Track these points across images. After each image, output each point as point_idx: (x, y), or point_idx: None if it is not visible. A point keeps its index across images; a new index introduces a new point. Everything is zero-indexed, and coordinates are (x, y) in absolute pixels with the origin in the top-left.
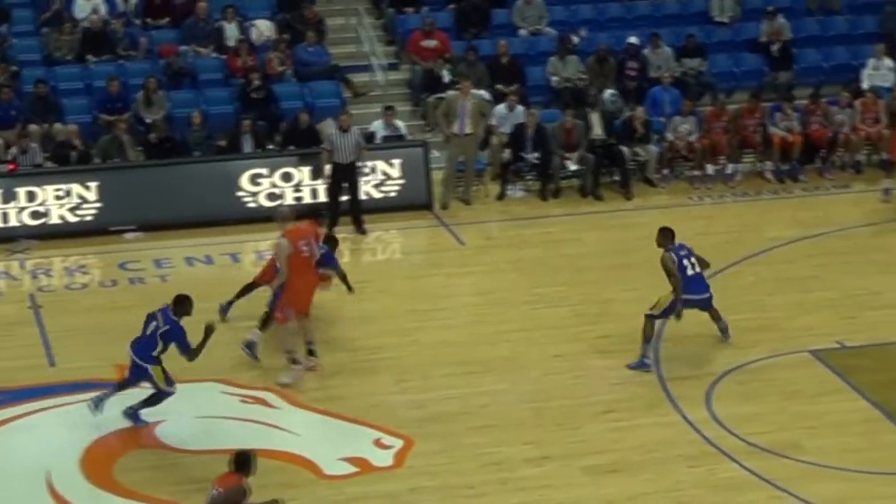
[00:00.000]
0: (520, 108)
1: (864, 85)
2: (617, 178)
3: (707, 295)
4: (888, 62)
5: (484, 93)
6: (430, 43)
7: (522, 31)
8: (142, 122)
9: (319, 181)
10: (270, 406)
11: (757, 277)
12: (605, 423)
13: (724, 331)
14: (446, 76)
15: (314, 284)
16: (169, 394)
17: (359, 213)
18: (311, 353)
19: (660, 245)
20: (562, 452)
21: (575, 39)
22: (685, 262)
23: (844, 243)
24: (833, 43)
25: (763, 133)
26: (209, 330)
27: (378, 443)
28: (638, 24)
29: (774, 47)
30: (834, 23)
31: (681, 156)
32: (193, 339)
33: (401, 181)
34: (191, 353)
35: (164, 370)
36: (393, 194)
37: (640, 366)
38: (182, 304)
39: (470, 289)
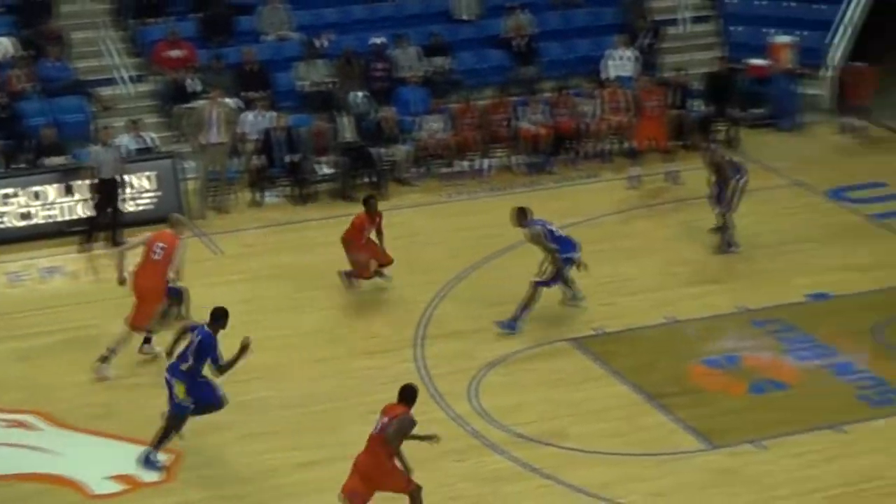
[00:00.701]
0: (269, 113)
1: (608, 75)
2: (370, 179)
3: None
4: (629, 52)
5: (233, 101)
6: (176, 53)
7: (268, 37)
8: None
9: (79, 197)
10: (32, 428)
11: (513, 270)
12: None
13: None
14: (194, 86)
15: (151, 291)
16: (185, 408)
17: (118, 227)
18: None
19: (520, 224)
20: (331, 455)
21: (322, 43)
22: (551, 227)
23: (596, 232)
24: (575, 36)
25: (512, 127)
26: (244, 346)
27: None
28: (383, 25)
29: (518, 42)
30: (575, 16)
31: (432, 154)
32: None
33: (154, 193)
34: (221, 367)
35: (188, 387)
36: (147, 207)
37: (509, 326)
38: (218, 317)
39: (231, 297)
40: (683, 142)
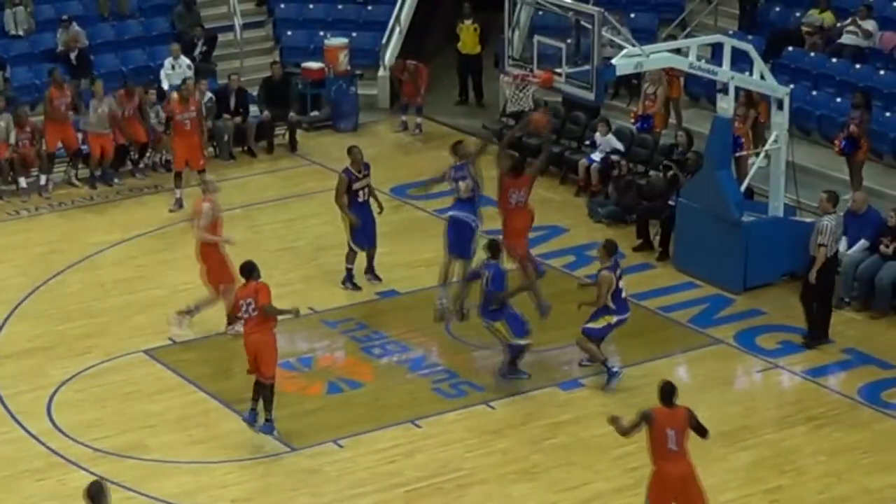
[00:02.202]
0: None
1: (165, 85)
2: None
3: None
4: (185, 60)
5: None
6: None
7: None
8: None
9: None
10: None
11: (83, 284)
12: None
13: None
14: None
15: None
16: (520, 347)
17: None
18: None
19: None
20: None
21: None
22: None
23: (163, 241)
24: (129, 46)
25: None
26: None
27: None
28: None
29: (73, 55)
30: (128, 26)
31: None
32: None
33: None
34: (502, 295)
35: (507, 323)
36: None
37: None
38: (496, 247)
39: None
40: (244, 147)
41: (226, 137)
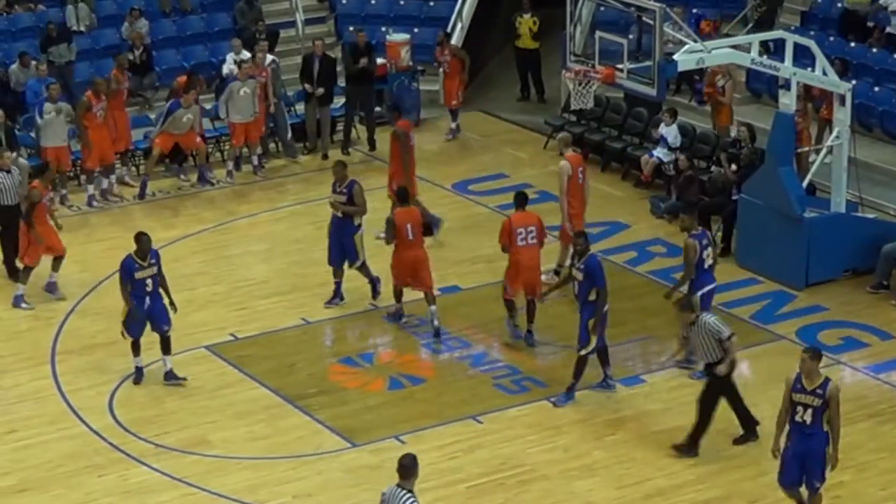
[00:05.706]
0: None
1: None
2: None
3: None
4: (246, 55)
5: None
6: None
7: None
8: None
9: None
10: None
11: None
12: (8, 443)
13: None
14: None
15: None
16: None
17: None
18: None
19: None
20: None
21: None
22: None
23: (226, 237)
24: (191, 42)
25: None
26: None
27: None
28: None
29: (137, 52)
30: (189, 22)
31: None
32: None
33: None
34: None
35: None
36: None
37: None
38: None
39: None
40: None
41: (290, 135)
